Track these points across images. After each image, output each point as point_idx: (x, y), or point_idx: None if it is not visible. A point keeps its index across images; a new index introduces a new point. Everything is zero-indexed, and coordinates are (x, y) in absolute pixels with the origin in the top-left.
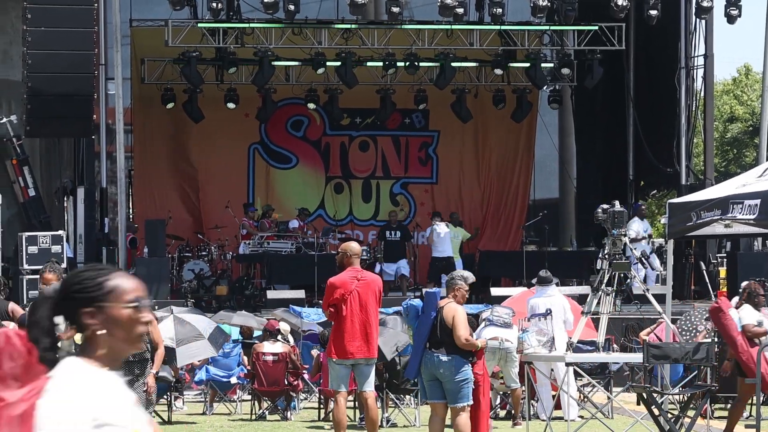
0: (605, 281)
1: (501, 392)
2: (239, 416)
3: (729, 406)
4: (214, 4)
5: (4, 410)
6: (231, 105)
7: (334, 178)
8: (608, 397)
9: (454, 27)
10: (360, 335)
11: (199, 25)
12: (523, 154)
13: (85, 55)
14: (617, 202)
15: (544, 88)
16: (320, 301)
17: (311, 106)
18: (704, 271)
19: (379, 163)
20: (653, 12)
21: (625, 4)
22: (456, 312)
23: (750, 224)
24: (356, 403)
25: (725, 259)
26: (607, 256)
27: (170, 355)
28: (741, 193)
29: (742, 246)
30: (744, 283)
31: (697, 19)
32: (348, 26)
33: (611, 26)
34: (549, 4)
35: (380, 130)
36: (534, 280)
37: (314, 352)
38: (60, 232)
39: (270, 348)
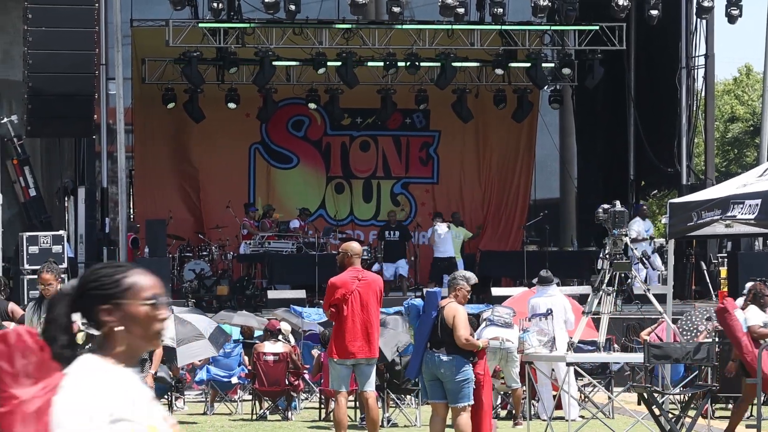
0: (606, 281)
1: (502, 392)
2: (240, 416)
3: (731, 405)
4: (215, 4)
5: (19, 407)
6: (232, 105)
7: (334, 178)
8: (609, 397)
9: (454, 27)
10: (361, 335)
11: (200, 25)
12: (524, 154)
13: (86, 55)
14: (618, 202)
15: (545, 88)
16: (321, 301)
17: (312, 106)
18: (705, 271)
19: (379, 163)
20: (654, 12)
21: (625, 4)
22: (457, 312)
23: (750, 224)
24: (357, 403)
25: (726, 259)
26: (607, 256)
27: (171, 354)
28: (742, 193)
29: (742, 246)
30: (749, 284)
31: (698, 19)
32: (349, 26)
33: (612, 26)
34: (550, 4)
35: (381, 130)
36: (535, 280)
37: (315, 352)
38: (61, 232)
39: (271, 348)
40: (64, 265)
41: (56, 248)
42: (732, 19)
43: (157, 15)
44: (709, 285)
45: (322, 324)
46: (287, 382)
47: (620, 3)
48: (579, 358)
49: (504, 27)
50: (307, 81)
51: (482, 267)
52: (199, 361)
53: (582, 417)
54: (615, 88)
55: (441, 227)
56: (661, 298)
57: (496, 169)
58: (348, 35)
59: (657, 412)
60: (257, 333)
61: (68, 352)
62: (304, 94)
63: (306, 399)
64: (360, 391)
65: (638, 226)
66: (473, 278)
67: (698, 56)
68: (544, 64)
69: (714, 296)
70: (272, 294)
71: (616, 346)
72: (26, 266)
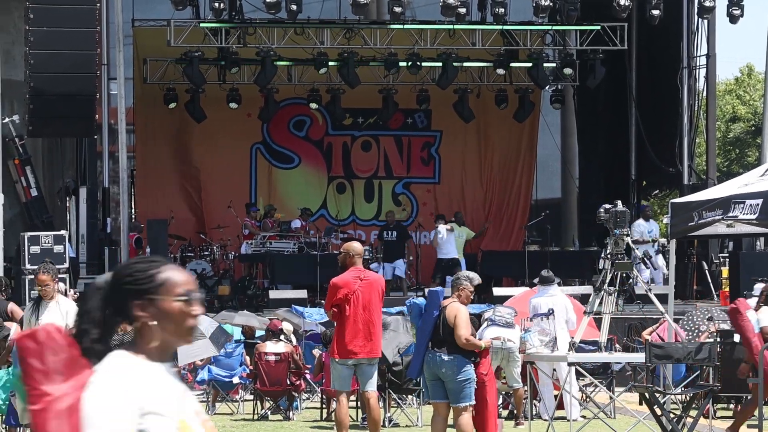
0: (607, 281)
1: (503, 392)
2: (241, 416)
3: (732, 405)
4: (217, 4)
5: (52, 404)
6: (233, 105)
7: (336, 178)
8: (610, 397)
9: (456, 27)
10: (363, 335)
11: (202, 25)
12: (526, 154)
13: (88, 55)
14: (619, 202)
15: (547, 87)
16: (322, 301)
17: (313, 106)
18: (706, 271)
19: (381, 163)
20: (655, 12)
21: (627, 3)
22: (458, 311)
23: (752, 224)
24: (358, 403)
25: (727, 259)
26: (609, 256)
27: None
28: (743, 193)
29: (744, 246)
30: (762, 286)
31: (700, 19)
32: (350, 26)
33: (613, 26)
34: (551, 3)
35: (382, 130)
36: (536, 280)
37: (316, 352)
38: (62, 232)
39: (272, 348)
40: (66, 265)
41: (58, 248)
42: (733, 19)
43: (158, 15)
44: (711, 285)
45: (323, 324)
46: (289, 382)
47: (622, 3)
48: (580, 358)
49: (505, 27)
50: (309, 81)
51: (484, 267)
52: (201, 360)
53: (583, 417)
54: (616, 88)
55: (442, 229)
56: (663, 298)
57: (497, 169)
58: (349, 35)
59: (658, 412)
60: (259, 333)
61: (99, 346)
62: (305, 94)
63: (307, 399)
64: (361, 391)
65: (641, 228)
66: (477, 279)
67: (700, 56)
68: (545, 64)
69: (715, 296)
70: (274, 294)
71: (617, 346)
72: (27, 266)
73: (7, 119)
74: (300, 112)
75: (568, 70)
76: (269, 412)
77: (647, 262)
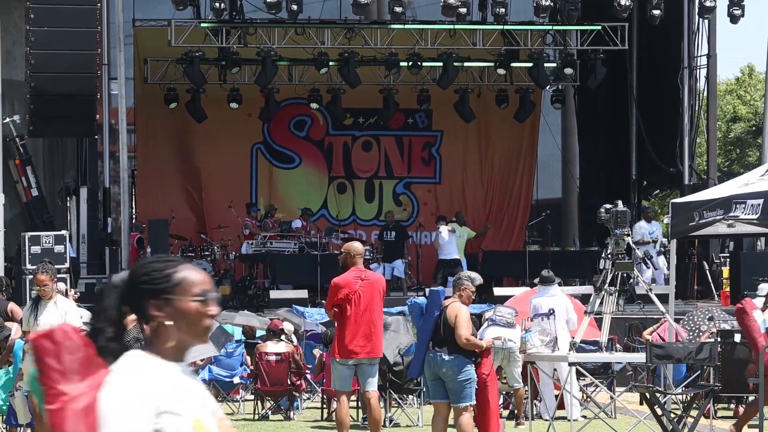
0: (608, 281)
1: (504, 392)
2: (242, 416)
3: (733, 405)
4: (217, 4)
5: (69, 404)
6: (234, 105)
7: (337, 178)
8: (611, 397)
9: (457, 27)
10: (364, 335)
11: (202, 25)
12: (526, 154)
13: (88, 55)
14: (620, 202)
15: (547, 87)
16: (323, 301)
17: (314, 105)
18: (707, 271)
19: (382, 163)
20: (656, 12)
21: (628, 3)
22: (459, 311)
23: (753, 224)
24: (359, 403)
25: (728, 259)
26: (610, 256)
27: None
28: (744, 193)
29: (745, 246)
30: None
31: (700, 19)
32: (351, 26)
33: (614, 26)
34: (552, 3)
35: (383, 130)
36: (536, 280)
37: (316, 352)
38: (63, 232)
39: (273, 348)
40: (66, 265)
41: (58, 248)
42: (734, 19)
43: (159, 15)
44: (711, 285)
45: (323, 324)
46: (289, 382)
47: (622, 3)
48: (581, 358)
49: (506, 27)
50: (309, 81)
51: (484, 267)
52: (201, 360)
53: (584, 417)
54: (617, 88)
55: (444, 231)
56: (663, 298)
57: (498, 169)
58: (350, 35)
59: (659, 412)
60: (259, 333)
61: (114, 344)
62: (306, 94)
63: (308, 399)
64: (362, 391)
65: (642, 229)
66: (478, 279)
67: (700, 56)
68: (546, 64)
69: (716, 296)
70: (274, 294)
71: (618, 346)
72: (28, 266)
73: (7, 119)
74: (301, 112)
75: (568, 70)
76: (270, 412)
77: (648, 262)
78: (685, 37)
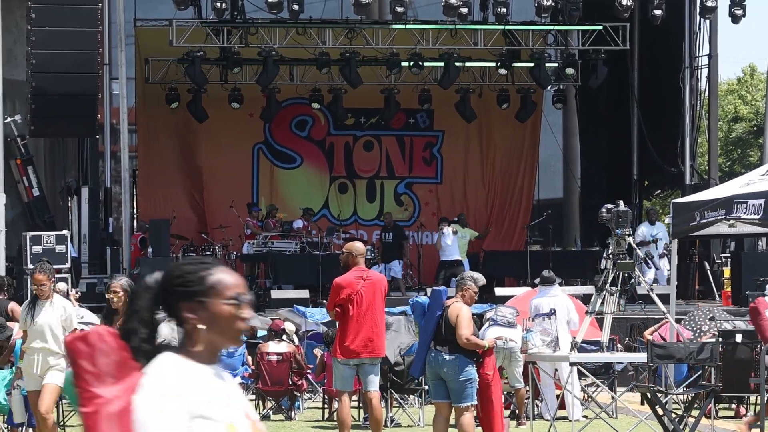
0: (609, 281)
1: (505, 392)
2: None
3: (734, 405)
4: (218, 4)
5: (103, 407)
6: (235, 105)
7: (338, 178)
8: (612, 397)
9: (458, 27)
10: (365, 335)
11: (203, 24)
12: (528, 154)
13: (90, 54)
14: (621, 202)
15: (549, 87)
16: (324, 301)
17: (315, 105)
18: (708, 271)
19: (383, 163)
20: (657, 12)
21: (629, 3)
22: (460, 311)
23: (754, 224)
24: (360, 403)
25: (729, 259)
26: (611, 256)
27: None
28: (745, 193)
29: (746, 246)
30: None
31: (702, 19)
32: (352, 26)
33: (615, 26)
34: (553, 3)
35: (384, 130)
36: (537, 280)
37: (317, 352)
38: (64, 231)
39: (274, 348)
40: (67, 265)
41: (59, 248)
42: (735, 19)
43: (160, 15)
44: (713, 285)
45: (325, 324)
46: (291, 382)
47: (624, 3)
48: (582, 358)
49: (507, 27)
50: (311, 81)
51: (486, 267)
52: None
53: (585, 417)
54: (618, 88)
55: (448, 232)
56: (665, 298)
57: (499, 169)
58: (351, 35)
59: (660, 412)
60: (260, 333)
61: (147, 346)
62: (307, 93)
63: (309, 399)
64: (364, 391)
65: (644, 231)
66: (481, 279)
67: (702, 56)
68: (547, 64)
69: (717, 296)
70: (275, 294)
71: (619, 346)
72: (29, 266)
73: (9, 119)
74: (302, 112)
75: (570, 70)
76: (271, 412)
77: (649, 262)
78: (687, 37)
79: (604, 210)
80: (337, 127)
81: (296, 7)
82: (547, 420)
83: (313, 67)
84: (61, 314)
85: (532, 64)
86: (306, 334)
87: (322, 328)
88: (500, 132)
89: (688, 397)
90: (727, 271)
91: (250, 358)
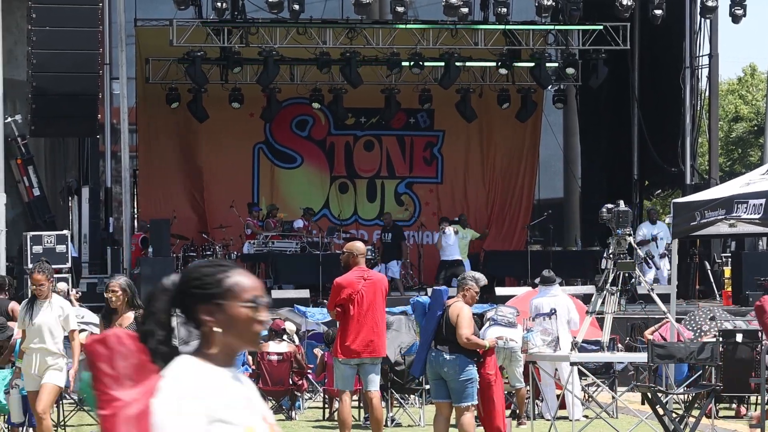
0: (610, 281)
1: (506, 392)
2: None
3: (734, 405)
4: (219, 4)
5: (121, 410)
6: (236, 105)
7: (338, 178)
8: (613, 397)
9: (458, 26)
10: (366, 335)
11: (204, 24)
12: (528, 154)
13: (90, 54)
14: (622, 202)
15: (549, 87)
16: (325, 301)
17: (316, 105)
18: (709, 271)
19: (383, 163)
20: (658, 12)
21: (629, 3)
22: (461, 311)
23: (755, 223)
24: (361, 402)
25: (730, 259)
26: (611, 256)
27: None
28: (745, 193)
29: (746, 245)
30: None
31: (702, 19)
32: (353, 26)
33: (616, 26)
34: (554, 3)
35: (385, 130)
36: (537, 280)
37: (317, 352)
38: (65, 231)
39: (275, 348)
40: (68, 264)
41: (60, 248)
42: (736, 19)
43: (160, 14)
44: (713, 285)
45: (325, 324)
46: (291, 382)
47: (624, 3)
48: (583, 358)
49: (508, 27)
50: (311, 81)
51: (486, 267)
52: None
53: (586, 417)
54: (619, 87)
55: (449, 231)
56: (665, 298)
57: (500, 168)
58: (352, 35)
59: (661, 411)
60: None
61: (164, 348)
62: (307, 93)
63: (310, 399)
64: (364, 390)
65: (645, 231)
66: (483, 279)
67: (702, 56)
68: (548, 64)
69: (718, 296)
70: (276, 294)
71: (620, 345)
72: (30, 266)
73: (9, 119)
74: (302, 111)
75: (570, 70)
76: (271, 412)
77: (650, 262)
78: (687, 37)
79: (604, 210)
80: (337, 127)
81: (297, 6)
82: (548, 420)
83: (313, 66)
84: (59, 314)
85: (532, 64)
86: (306, 334)
87: (322, 328)
88: (501, 132)
89: (688, 396)
90: (727, 271)
91: (250, 358)
